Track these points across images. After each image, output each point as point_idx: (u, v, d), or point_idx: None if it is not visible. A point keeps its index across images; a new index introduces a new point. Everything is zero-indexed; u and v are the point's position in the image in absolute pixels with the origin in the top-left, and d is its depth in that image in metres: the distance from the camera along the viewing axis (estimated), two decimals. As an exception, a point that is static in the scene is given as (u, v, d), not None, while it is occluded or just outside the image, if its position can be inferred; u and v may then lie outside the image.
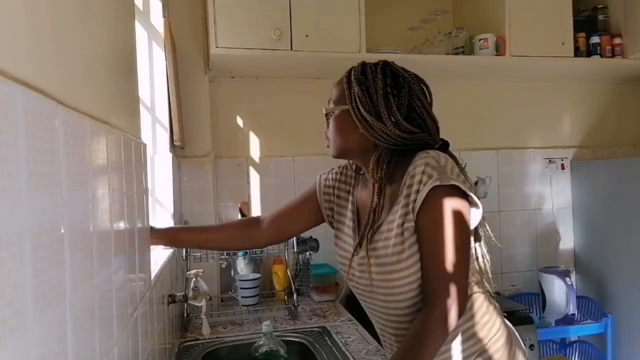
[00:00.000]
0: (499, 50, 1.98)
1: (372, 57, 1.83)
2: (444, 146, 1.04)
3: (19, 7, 0.40)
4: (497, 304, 1.09)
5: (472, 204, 0.96)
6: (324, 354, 1.39)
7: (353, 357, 1.35)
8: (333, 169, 1.22)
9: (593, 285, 2.36)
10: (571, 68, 2.23)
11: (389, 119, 1.00)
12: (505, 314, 1.16)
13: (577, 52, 2.13)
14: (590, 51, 2.18)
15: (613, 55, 2.19)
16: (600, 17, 2.26)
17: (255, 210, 2.10)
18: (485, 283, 1.07)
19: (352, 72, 1.06)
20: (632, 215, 2.10)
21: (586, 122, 2.54)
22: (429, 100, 1.06)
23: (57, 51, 0.48)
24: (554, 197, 2.47)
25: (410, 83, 1.04)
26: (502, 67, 2.11)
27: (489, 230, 1.06)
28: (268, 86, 2.14)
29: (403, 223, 0.96)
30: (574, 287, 2.17)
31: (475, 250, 1.04)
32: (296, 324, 1.67)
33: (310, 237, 2.05)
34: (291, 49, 1.76)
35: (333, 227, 1.18)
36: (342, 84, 1.07)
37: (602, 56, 2.17)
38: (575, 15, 2.10)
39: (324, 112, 1.10)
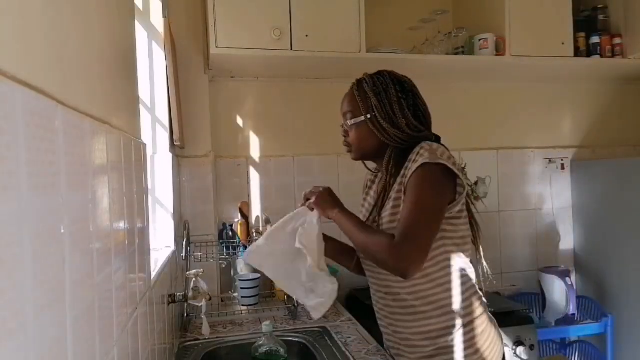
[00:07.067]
0: (499, 50, 1.98)
1: (372, 57, 1.87)
2: (437, 140, 1.19)
3: (19, 8, 0.40)
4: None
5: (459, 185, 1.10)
6: (324, 354, 1.39)
7: (353, 357, 1.35)
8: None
9: (593, 285, 2.35)
10: (571, 68, 2.23)
11: (402, 122, 1.15)
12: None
13: (577, 52, 2.13)
14: (590, 51, 2.17)
15: (613, 55, 2.19)
16: (600, 17, 2.25)
17: (256, 210, 2.10)
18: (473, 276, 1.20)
19: (364, 84, 1.19)
20: (632, 216, 2.10)
21: (586, 122, 2.54)
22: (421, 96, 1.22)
23: (57, 51, 0.48)
24: (554, 197, 2.47)
25: (411, 85, 1.20)
26: (502, 67, 2.11)
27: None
28: (268, 86, 2.14)
29: (399, 197, 1.11)
30: (574, 287, 2.17)
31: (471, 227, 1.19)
32: (296, 324, 1.67)
33: (310, 237, 2.05)
34: (291, 49, 1.76)
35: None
36: (354, 97, 1.20)
37: (602, 56, 2.17)
38: (575, 15, 2.10)
39: (343, 127, 1.24)
